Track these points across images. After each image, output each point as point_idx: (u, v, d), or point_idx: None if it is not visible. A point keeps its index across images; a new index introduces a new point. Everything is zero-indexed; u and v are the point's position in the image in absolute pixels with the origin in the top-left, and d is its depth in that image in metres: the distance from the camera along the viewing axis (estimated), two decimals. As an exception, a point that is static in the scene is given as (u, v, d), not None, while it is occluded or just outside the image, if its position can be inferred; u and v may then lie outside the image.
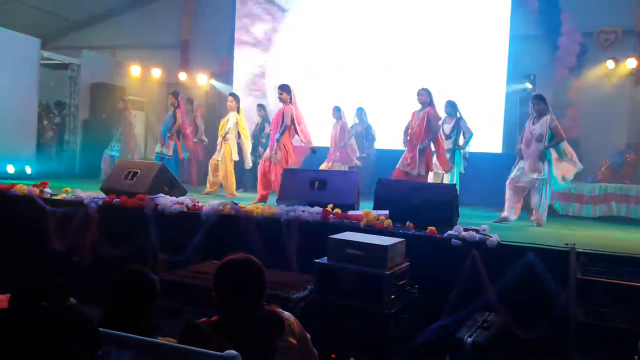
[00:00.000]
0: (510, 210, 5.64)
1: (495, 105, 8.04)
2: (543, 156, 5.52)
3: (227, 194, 6.97)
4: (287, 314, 1.93)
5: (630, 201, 6.49)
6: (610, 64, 7.59)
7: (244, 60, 9.72)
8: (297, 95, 6.46)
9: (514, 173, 5.68)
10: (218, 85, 9.72)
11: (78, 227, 4.77)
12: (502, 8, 8.10)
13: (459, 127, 6.91)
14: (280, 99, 6.23)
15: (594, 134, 7.70)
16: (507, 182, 5.69)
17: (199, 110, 8.60)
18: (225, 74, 9.81)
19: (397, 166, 6.05)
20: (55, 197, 5.16)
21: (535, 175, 5.52)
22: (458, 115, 6.95)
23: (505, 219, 5.58)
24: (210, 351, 1.50)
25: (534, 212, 5.66)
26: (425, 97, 6.02)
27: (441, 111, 6.69)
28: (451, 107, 6.92)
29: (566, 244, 3.64)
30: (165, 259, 4.31)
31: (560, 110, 7.89)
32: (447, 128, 6.86)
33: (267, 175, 6.03)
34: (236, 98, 7.35)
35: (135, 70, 9.83)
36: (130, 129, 8.93)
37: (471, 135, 6.93)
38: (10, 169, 7.60)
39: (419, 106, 6.13)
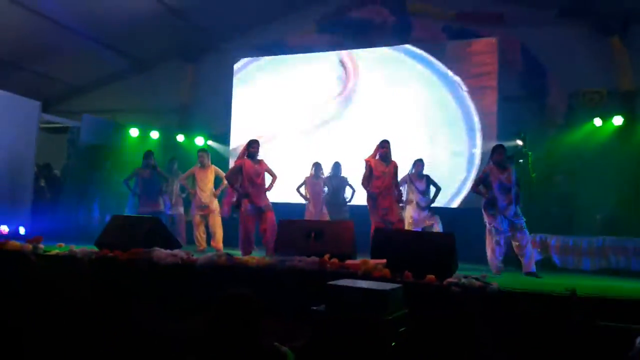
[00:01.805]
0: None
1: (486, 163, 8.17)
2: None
3: (215, 248, 6.92)
4: (284, 348, 1.87)
5: (628, 253, 6.47)
6: (597, 121, 7.83)
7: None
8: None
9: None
10: (215, 145, 9.89)
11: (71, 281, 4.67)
12: (489, 70, 8.42)
13: (429, 182, 7.14)
14: (255, 153, 6.34)
15: (585, 190, 7.79)
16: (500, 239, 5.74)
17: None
18: (222, 135, 10.01)
19: (373, 220, 6.10)
20: (48, 253, 5.10)
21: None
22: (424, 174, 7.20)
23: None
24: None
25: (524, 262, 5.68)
26: (389, 149, 6.26)
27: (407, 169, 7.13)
28: (423, 165, 7.15)
29: (566, 290, 3.59)
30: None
31: (551, 167, 8.08)
32: (421, 185, 7.07)
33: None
34: (207, 153, 7.50)
35: (133, 132, 10.01)
36: None
37: (439, 189, 7.13)
38: (5, 229, 7.54)
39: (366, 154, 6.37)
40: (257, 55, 10.04)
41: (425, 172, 7.17)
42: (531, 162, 7.71)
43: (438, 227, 6.87)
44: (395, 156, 6.46)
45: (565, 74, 8.19)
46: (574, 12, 8.30)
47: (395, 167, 6.31)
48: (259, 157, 6.40)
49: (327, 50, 9.43)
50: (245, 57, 10.13)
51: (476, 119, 8.34)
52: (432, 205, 7.13)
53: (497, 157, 5.90)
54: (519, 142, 7.82)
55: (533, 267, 5.66)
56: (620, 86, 8.10)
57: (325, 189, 7.75)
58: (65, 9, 8.65)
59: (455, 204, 8.18)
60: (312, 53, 9.51)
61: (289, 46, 9.77)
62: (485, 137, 8.26)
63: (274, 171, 6.55)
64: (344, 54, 9.24)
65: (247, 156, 6.31)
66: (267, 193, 6.36)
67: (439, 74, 8.63)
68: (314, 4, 9.73)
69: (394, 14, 9.11)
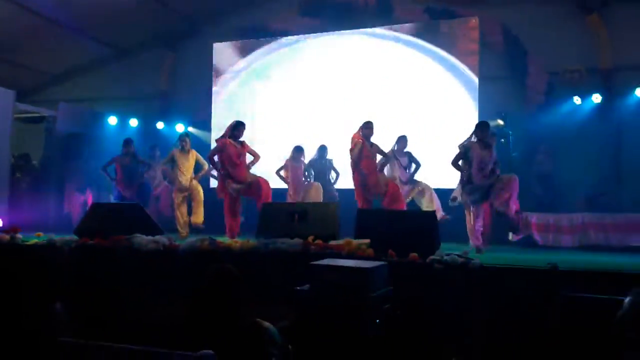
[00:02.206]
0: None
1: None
2: None
3: (195, 223, 6.90)
4: (267, 324, 1.85)
5: (608, 230, 6.57)
6: (576, 100, 7.89)
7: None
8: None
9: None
10: (197, 132, 9.77)
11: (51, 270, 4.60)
12: (470, 51, 8.42)
13: (411, 159, 7.23)
14: (239, 135, 6.32)
15: (566, 168, 7.87)
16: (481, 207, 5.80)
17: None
18: (203, 121, 9.89)
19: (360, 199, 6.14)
20: (27, 243, 5.01)
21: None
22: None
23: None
24: (187, 353, 1.43)
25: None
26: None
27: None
28: (406, 142, 7.22)
29: (548, 264, 3.63)
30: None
31: (532, 145, 8.14)
32: (404, 161, 7.17)
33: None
34: (188, 138, 7.46)
35: (112, 121, 9.84)
36: None
37: (419, 166, 7.25)
38: (-18, 221, 7.40)
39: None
40: (238, 39, 9.90)
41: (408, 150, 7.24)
42: (512, 141, 7.76)
43: (431, 194, 6.93)
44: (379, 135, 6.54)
45: (545, 53, 8.21)
46: (553, -9, 8.33)
47: (378, 148, 6.47)
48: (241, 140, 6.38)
49: (309, 32, 9.34)
50: (225, 41, 9.99)
51: (460, 99, 8.36)
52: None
53: (480, 134, 5.90)
54: (500, 122, 7.86)
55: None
56: (599, 64, 8.14)
57: (306, 173, 7.71)
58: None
59: (436, 185, 8.18)
60: (294, 36, 9.42)
61: (271, 30, 9.65)
62: (466, 117, 8.29)
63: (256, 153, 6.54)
64: (327, 36, 9.15)
65: (229, 137, 6.27)
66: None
67: (426, 54, 8.63)
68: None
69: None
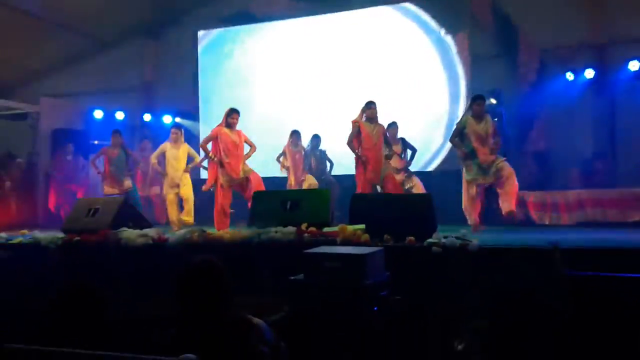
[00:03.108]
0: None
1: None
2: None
3: (187, 221, 6.74)
4: (257, 320, 1.72)
5: (605, 206, 6.49)
6: (569, 76, 7.77)
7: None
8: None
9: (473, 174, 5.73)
10: (186, 123, 9.57)
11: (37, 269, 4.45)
12: (460, 29, 8.27)
13: (405, 145, 7.05)
14: (234, 123, 6.12)
15: (560, 145, 7.82)
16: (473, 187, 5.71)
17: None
18: (191, 111, 9.70)
19: (359, 182, 5.97)
20: (11, 242, 4.84)
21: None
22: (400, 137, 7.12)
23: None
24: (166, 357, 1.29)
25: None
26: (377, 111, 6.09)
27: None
28: (397, 128, 7.03)
29: (549, 243, 3.52)
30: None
31: (525, 123, 8.05)
32: (397, 148, 6.97)
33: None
34: (181, 129, 7.23)
35: (97, 114, 9.62)
36: None
37: (415, 151, 7.09)
38: (-34, 221, 7.21)
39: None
40: (222, 27, 9.69)
41: (401, 135, 7.07)
42: (505, 119, 7.65)
43: (421, 188, 6.81)
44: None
45: (537, 30, 8.08)
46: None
47: (383, 128, 6.25)
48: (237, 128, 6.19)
49: (296, 17, 9.13)
50: (208, 29, 9.78)
51: (462, 82, 8.22)
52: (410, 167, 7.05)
53: (475, 108, 5.80)
54: (493, 101, 7.73)
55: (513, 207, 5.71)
56: (591, 39, 8.02)
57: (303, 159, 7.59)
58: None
59: (431, 168, 8.11)
60: (280, 21, 9.21)
61: (256, 15, 9.44)
62: (458, 97, 8.19)
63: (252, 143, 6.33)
64: (318, 18, 8.97)
65: (225, 125, 6.09)
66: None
67: (414, 34, 8.49)
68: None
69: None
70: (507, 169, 5.75)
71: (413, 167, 7.27)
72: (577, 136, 7.76)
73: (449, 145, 7.15)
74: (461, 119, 6.03)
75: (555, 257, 3.35)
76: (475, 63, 8.19)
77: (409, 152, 7.10)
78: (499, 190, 5.84)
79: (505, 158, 5.92)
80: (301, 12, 9.12)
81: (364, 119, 6.08)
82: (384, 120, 6.89)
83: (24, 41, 9.70)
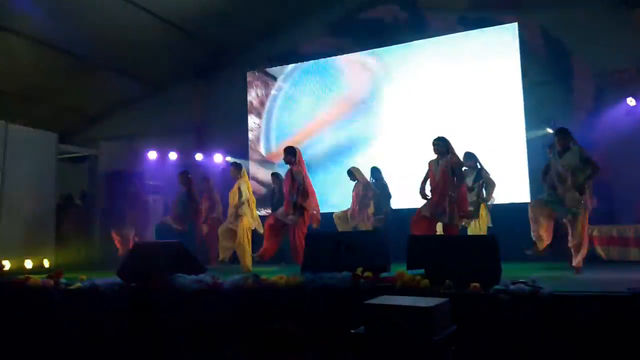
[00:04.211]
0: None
1: (517, 154, 7.82)
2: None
3: (242, 267, 6.70)
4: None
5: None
6: (631, 101, 7.40)
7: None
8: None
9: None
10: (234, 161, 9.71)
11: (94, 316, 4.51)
12: (512, 57, 8.07)
13: (480, 178, 6.67)
14: (286, 161, 6.16)
15: (625, 174, 7.36)
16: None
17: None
18: (240, 149, 9.85)
19: (418, 213, 5.68)
20: (70, 287, 4.94)
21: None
22: (479, 167, 6.74)
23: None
24: None
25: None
26: (442, 146, 5.73)
27: None
28: (470, 158, 6.69)
29: (628, 289, 3.25)
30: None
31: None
32: (469, 180, 6.60)
33: (275, 233, 6.18)
34: (237, 166, 7.31)
35: (151, 155, 9.91)
36: None
37: (494, 186, 6.69)
38: (28, 263, 7.46)
39: (434, 156, 5.86)
40: (270, 66, 9.88)
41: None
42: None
43: (476, 223, 6.54)
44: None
45: (590, 54, 7.77)
46: (592, -14, 7.92)
47: (451, 163, 5.66)
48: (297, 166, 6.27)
49: (341, 53, 9.23)
50: (257, 69, 10.00)
51: (504, 108, 8.01)
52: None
53: (556, 143, 5.52)
54: (550, 130, 7.43)
55: (578, 264, 5.23)
56: (651, 62, 7.64)
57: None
58: (77, 39, 8.65)
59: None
60: (327, 58, 9.32)
61: (301, 54, 9.59)
62: (512, 126, 7.93)
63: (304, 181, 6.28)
64: (365, 56, 9.05)
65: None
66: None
67: (464, 64, 8.35)
68: (320, 9, 9.53)
69: (405, 10, 8.84)
70: (572, 215, 5.42)
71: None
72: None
73: (512, 176, 6.84)
74: (549, 158, 5.72)
75: (636, 306, 3.08)
76: (528, 91, 7.94)
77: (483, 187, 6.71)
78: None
79: None
80: (346, 49, 9.20)
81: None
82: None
83: (83, 88, 10.22)
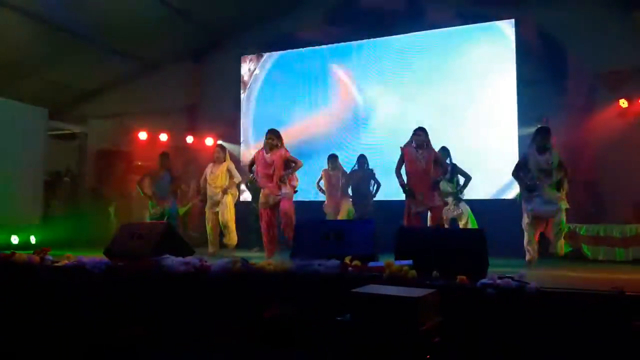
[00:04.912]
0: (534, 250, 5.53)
1: (508, 150, 7.85)
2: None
3: (229, 245, 6.71)
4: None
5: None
6: (623, 103, 7.45)
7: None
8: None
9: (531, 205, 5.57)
10: (226, 145, 9.64)
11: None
12: (508, 54, 8.09)
13: (455, 171, 6.81)
14: (271, 145, 6.07)
15: (613, 175, 7.44)
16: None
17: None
18: (232, 134, 9.79)
19: (407, 212, 5.73)
20: (56, 264, 4.90)
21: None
22: (452, 162, 6.88)
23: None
24: None
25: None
26: (425, 137, 5.87)
27: None
28: (446, 152, 6.81)
29: (612, 288, 3.28)
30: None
31: (575, 152, 7.69)
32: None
33: (272, 225, 6.11)
34: (223, 149, 7.25)
35: (142, 135, 9.82)
36: None
37: (469, 179, 6.81)
38: (15, 239, 7.40)
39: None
40: (265, 51, 9.80)
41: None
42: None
43: (466, 222, 6.59)
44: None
45: (586, 54, 7.79)
46: (591, -13, 7.92)
47: (435, 154, 5.93)
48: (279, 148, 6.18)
49: (339, 42, 9.17)
50: (252, 53, 9.92)
51: (495, 106, 8.02)
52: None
53: (539, 140, 5.63)
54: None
55: (561, 249, 5.61)
56: (645, 64, 7.67)
57: (342, 182, 7.52)
58: (71, 15, 8.49)
59: (483, 196, 7.79)
60: (324, 46, 9.26)
61: (298, 40, 9.50)
62: (504, 123, 7.96)
63: (296, 160, 6.25)
64: (360, 44, 9.03)
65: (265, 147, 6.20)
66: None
67: (459, 59, 8.36)
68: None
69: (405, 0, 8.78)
70: (552, 212, 5.66)
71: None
72: (631, 165, 7.38)
73: (503, 173, 6.99)
74: (526, 151, 5.91)
75: (621, 305, 3.12)
76: (522, 89, 7.96)
77: (461, 179, 6.84)
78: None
79: None
80: (343, 38, 9.15)
81: (413, 144, 5.89)
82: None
83: (75, 64, 10.06)
